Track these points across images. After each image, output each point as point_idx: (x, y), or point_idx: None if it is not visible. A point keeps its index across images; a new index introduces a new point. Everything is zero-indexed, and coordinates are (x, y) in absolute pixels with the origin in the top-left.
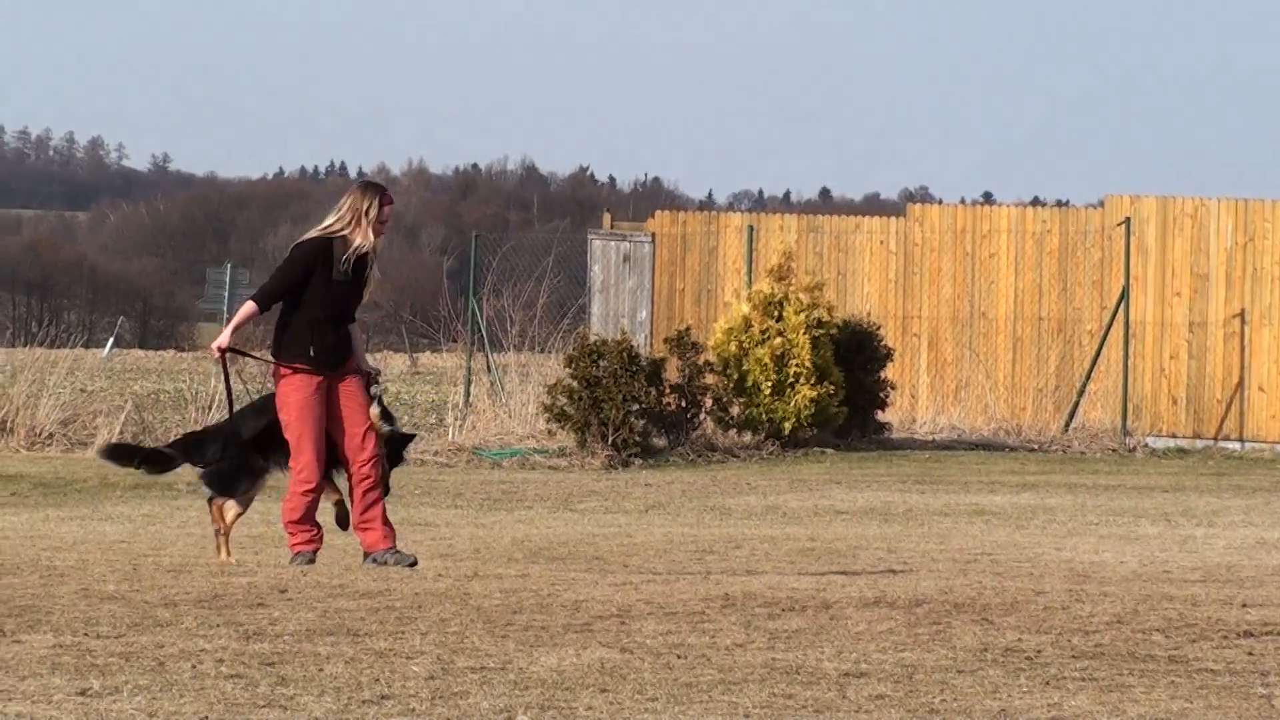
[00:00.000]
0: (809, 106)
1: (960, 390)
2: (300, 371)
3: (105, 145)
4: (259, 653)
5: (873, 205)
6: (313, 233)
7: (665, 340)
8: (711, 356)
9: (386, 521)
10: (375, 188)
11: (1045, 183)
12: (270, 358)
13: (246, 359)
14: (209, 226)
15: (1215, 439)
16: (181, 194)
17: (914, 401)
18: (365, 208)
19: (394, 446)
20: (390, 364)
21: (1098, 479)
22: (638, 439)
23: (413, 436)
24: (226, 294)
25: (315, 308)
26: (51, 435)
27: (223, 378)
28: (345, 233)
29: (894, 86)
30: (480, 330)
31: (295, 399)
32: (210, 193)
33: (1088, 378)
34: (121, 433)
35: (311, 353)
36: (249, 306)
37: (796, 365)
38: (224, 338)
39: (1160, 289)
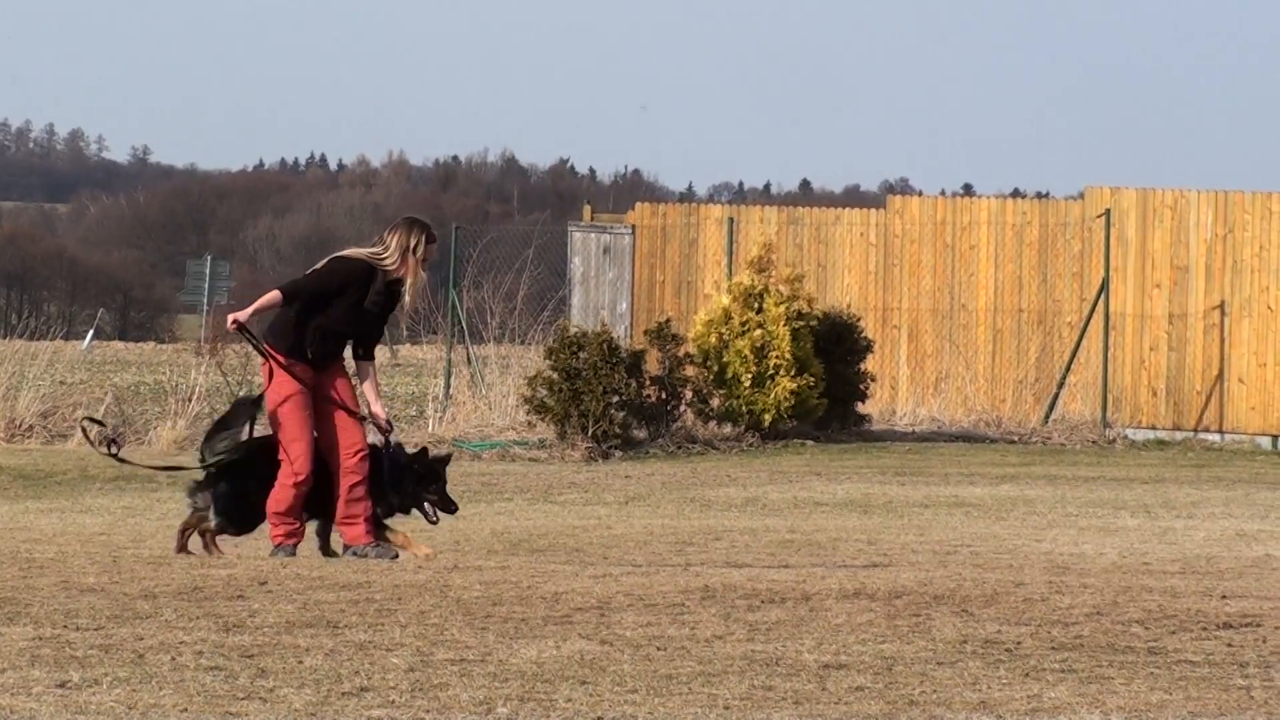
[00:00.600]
0: (789, 98)
1: (940, 382)
2: (294, 365)
3: (85, 137)
4: (239, 645)
5: (853, 197)
6: (360, 252)
7: (645, 332)
8: (691, 348)
9: (369, 519)
10: (421, 225)
11: (1025, 174)
12: (267, 347)
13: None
14: (189, 218)
15: (1195, 431)
16: (161, 186)
17: (894, 393)
18: (413, 244)
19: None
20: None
21: (1077, 471)
22: (618, 431)
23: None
24: (206, 286)
25: (332, 321)
26: (31, 427)
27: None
28: (391, 267)
29: (874, 78)
30: (460, 322)
31: (288, 390)
32: (190, 185)
33: (1067, 369)
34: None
35: (309, 354)
36: (274, 295)
37: (776, 357)
38: (245, 314)
39: (1140, 281)
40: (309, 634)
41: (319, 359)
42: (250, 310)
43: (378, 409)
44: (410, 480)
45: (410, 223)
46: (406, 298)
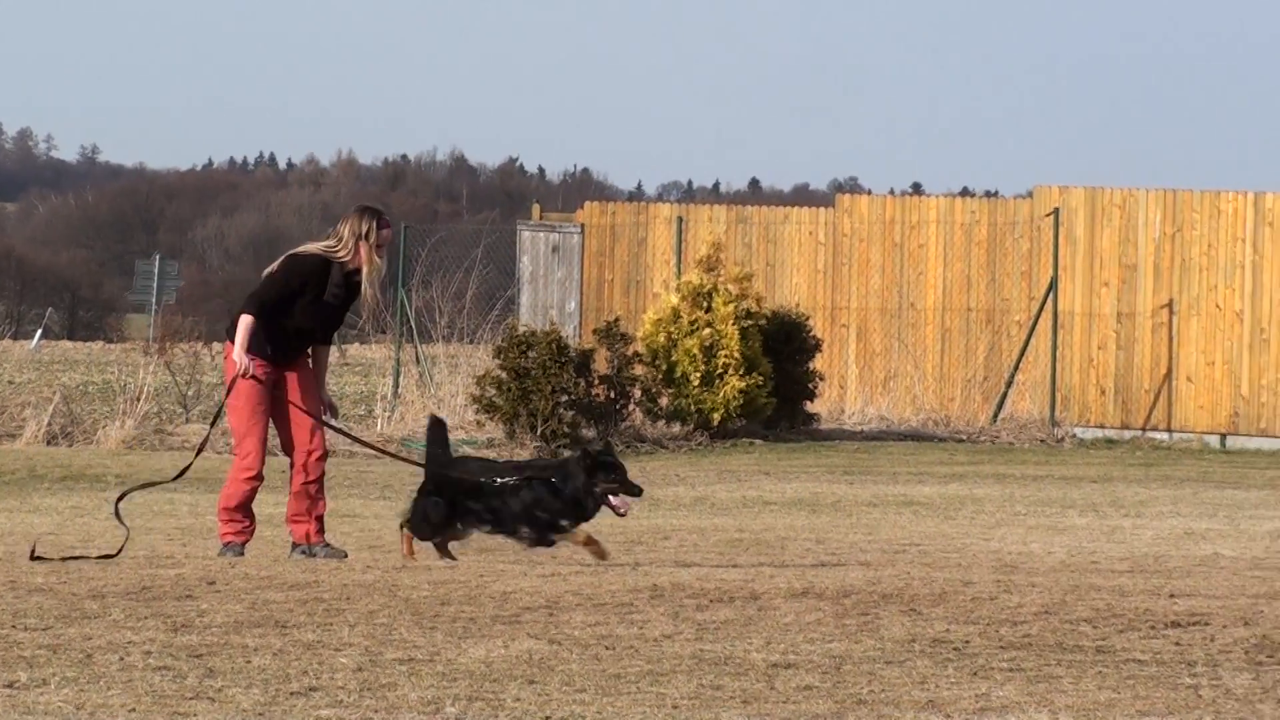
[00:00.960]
0: (738, 97)
1: (889, 381)
2: (253, 361)
3: (34, 136)
4: (187, 645)
5: (802, 196)
6: (314, 247)
7: (594, 331)
8: (640, 347)
9: (320, 518)
10: (372, 211)
11: (974, 173)
12: (227, 343)
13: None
14: (138, 218)
15: (1143, 429)
16: (110, 185)
17: (842, 392)
18: (364, 231)
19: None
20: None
21: (1026, 469)
22: (566, 430)
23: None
24: (155, 285)
25: (295, 320)
26: None
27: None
28: (346, 258)
29: (823, 76)
30: (409, 321)
31: (245, 385)
32: (139, 184)
33: (1016, 368)
34: (50, 425)
35: (269, 350)
36: (248, 320)
37: (725, 356)
38: (244, 353)
39: (1089, 279)
40: (257, 634)
41: (281, 357)
42: (246, 348)
43: (322, 393)
44: (590, 482)
45: (360, 211)
46: (365, 288)
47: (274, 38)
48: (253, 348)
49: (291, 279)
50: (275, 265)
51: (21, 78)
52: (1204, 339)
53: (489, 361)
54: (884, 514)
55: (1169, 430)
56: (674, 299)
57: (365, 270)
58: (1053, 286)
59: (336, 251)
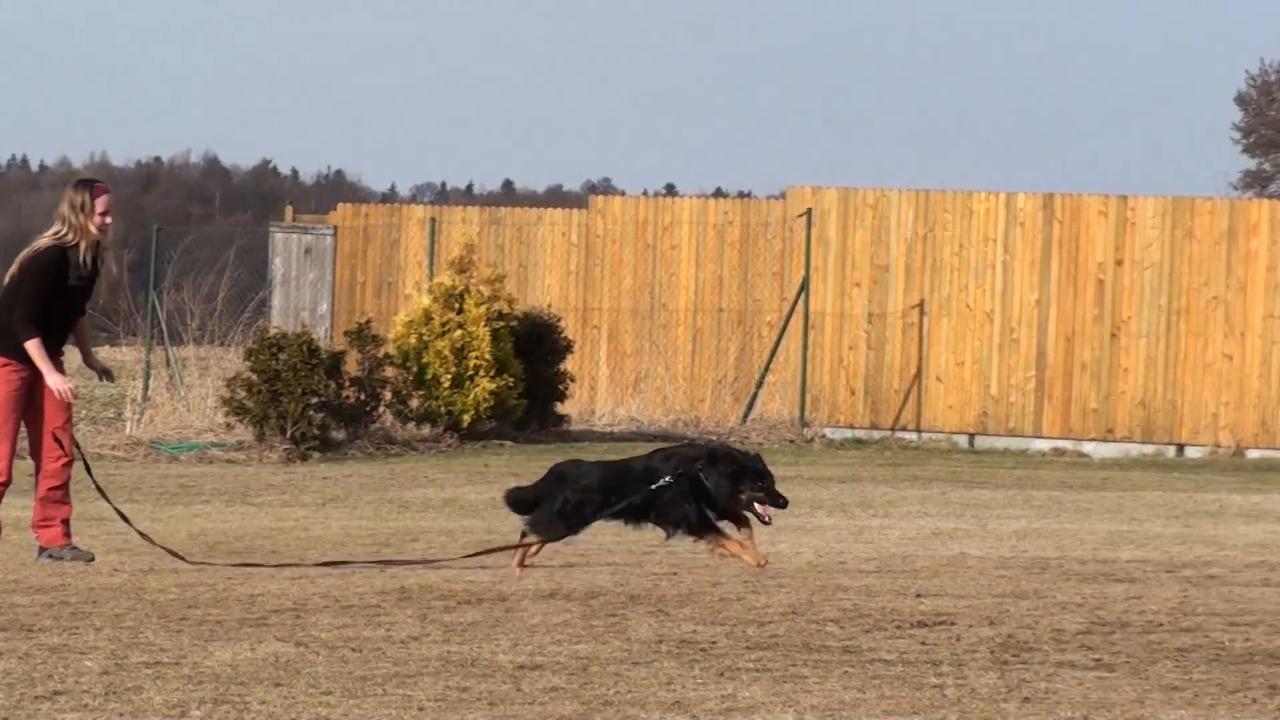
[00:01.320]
0: (492, 99)
1: (640, 382)
2: (9, 365)
3: None
4: None
5: (555, 197)
6: (44, 239)
7: (345, 333)
8: (391, 349)
9: (66, 521)
10: (85, 183)
11: (728, 174)
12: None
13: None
14: None
15: (892, 429)
16: None
17: (593, 393)
18: (81, 204)
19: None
20: (68, 358)
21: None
22: (316, 432)
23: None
24: None
25: (53, 315)
26: None
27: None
28: (75, 240)
29: (574, 77)
30: (160, 323)
31: (2, 392)
32: None
33: (766, 369)
34: None
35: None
36: (34, 342)
37: (476, 358)
38: (66, 382)
39: (840, 280)
40: (2, 638)
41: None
42: (54, 368)
43: (92, 361)
44: (744, 482)
45: (75, 186)
46: (87, 260)
47: (25, 38)
48: (12, 353)
49: (42, 279)
50: (15, 269)
51: None
52: (954, 339)
53: (240, 364)
54: None
55: (918, 430)
56: (426, 300)
57: (82, 245)
58: (804, 287)
59: (65, 236)
